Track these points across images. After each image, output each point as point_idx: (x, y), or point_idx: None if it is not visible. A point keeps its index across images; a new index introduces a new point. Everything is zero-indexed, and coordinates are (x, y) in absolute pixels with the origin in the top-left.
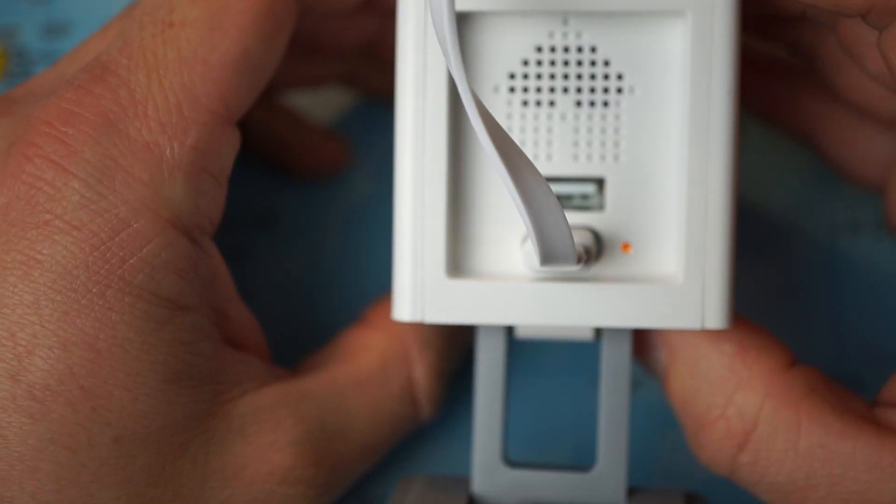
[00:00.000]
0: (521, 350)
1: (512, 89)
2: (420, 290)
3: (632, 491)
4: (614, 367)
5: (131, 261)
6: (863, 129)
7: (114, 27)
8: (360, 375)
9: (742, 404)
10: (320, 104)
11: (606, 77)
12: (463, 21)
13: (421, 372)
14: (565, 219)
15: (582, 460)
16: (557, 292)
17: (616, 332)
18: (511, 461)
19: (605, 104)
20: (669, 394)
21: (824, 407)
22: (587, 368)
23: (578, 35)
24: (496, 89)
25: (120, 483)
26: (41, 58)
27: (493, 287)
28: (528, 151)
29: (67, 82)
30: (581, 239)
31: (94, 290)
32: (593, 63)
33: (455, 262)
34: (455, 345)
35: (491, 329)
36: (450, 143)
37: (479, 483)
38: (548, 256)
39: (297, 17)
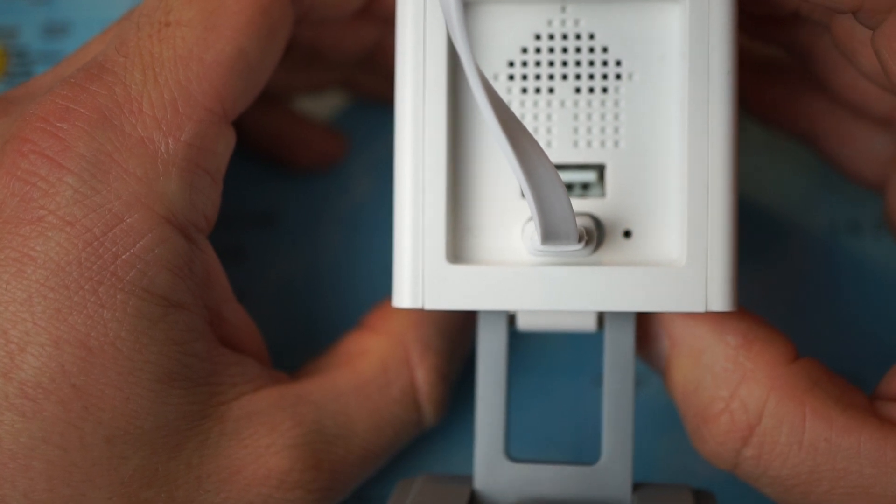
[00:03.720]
0: (522, 348)
1: (511, 77)
2: (420, 277)
3: (637, 486)
4: (617, 357)
5: (124, 256)
6: (860, 127)
7: (113, 30)
8: (361, 379)
9: (746, 397)
10: (319, 104)
11: (605, 63)
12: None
13: (422, 375)
14: (567, 196)
15: (585, 459)
16: (559, 277)
17: (619, 320)
18: (514, 456)
19: (604, 90)
20: (671, 386)
21: (828, 401)
22: (589, 367)
23: (576, 22)
24: (496, 77)
25: (112, 483)
26: (41, 58)
27: (493, 272)
28: None
29: (63, 80)
30: (582, 221)
31: (87, 287)
32: (591, 50)
33: (455, 248)
34: (457, 348)
35: (492, 319)
36: (449, 127)
37: (482, 478)
38: (549, 234)
39: (293, 20)
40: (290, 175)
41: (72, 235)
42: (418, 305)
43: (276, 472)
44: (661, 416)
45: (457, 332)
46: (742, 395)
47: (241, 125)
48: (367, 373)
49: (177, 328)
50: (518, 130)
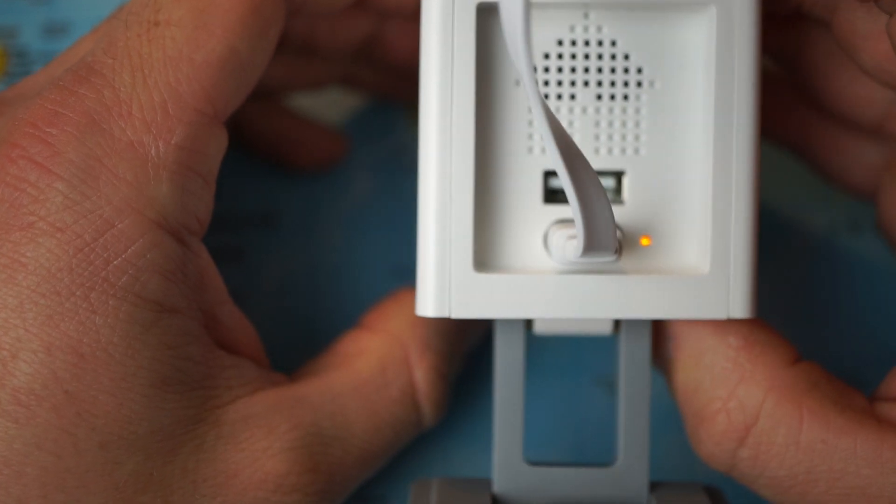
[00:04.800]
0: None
1: None
2: (447, 285)
3: (652, 485)
4: (634, 361)
5: (116, 262)
6: (850, 137)
7: (102, 28)
8: (359, 380)
9: (744, 397)
10: (320, 103)
11: (626, 70)
12: (486, 14)
13: (422, 375)
14: (611, 211)
15: (587, 458)
16: (584, 285)
17: (635, 325)
18: (531, 460)
19: (626, 97)
20: (673, 386)
21: (826, 403)
22: (588, 368)
23: (599, 28)
24: (518, 83)
25: (107, 489)
26: (41, 58)
27: (518, 281)
28: None
29: (52, 83)
30: None
31: (78, 293)
32: (613, 56)
33: (481, 257)
34: (456, 347)
35: (510, 325)
36: (477, 136)
37: (501, 483)
38: (591, 247)
39: (284, 16)
40: (290, 175)
41: (62, 241)
42: (444, 314)
43: (273, 475)
44: (663, 415)
45: (455, 331)
46: (740, 396)
47: (242, 125)
48: (366, 373)
49: (170, 332)
50: (572, 150)
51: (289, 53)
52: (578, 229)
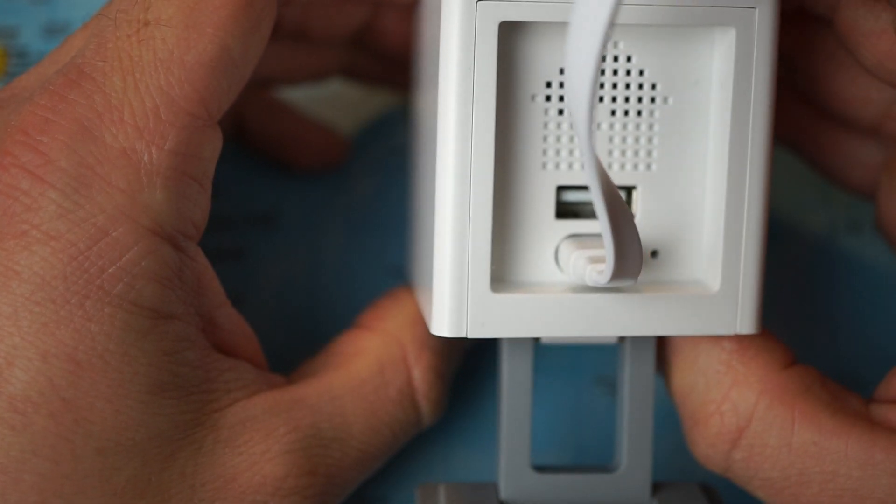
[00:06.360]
0: None
1: (548, 98)
2: (464, 306)
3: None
4: (638, 371)
5: (110, 270)
6: (848, 137)
7: (92, 24)
8: (357, 380)
9: (737, 400)
10: (323, 102)
11: (640, 87)
12: (503, 30)
13: (420, 374)
14: (640, 242)
15: (583, 455)
16: (597, 303)
17: (642, 338)
18: (536, 464)
19: (639, 113)
20: (670, 389)
21: (818, 405)
22: (587, 367)
23: (615, 44)
24: (533, 98)
25: (105, 495)
26: (41, 58)
27: (534, 300)
28: (563, 160)
29: (42, 87)
30: None
31: (73, 301)
32: (629, 72)
33: (497, 277)
34: (454, 346)
35: (519, 338)
36: (497, 156)
37: (508, 489)
38: (619, 275)
39: (276, 9)
40: (290, 175)
41: (56, 250)
42: (461, 335)
43: (272, 478)
44: (660, 414)
45: None
46: (733, 398)
47: (244, 124)
48: (364, 373)
49: (167, 339)
50: (611, 186)
51: (283, 41)
52: (609, 259)
